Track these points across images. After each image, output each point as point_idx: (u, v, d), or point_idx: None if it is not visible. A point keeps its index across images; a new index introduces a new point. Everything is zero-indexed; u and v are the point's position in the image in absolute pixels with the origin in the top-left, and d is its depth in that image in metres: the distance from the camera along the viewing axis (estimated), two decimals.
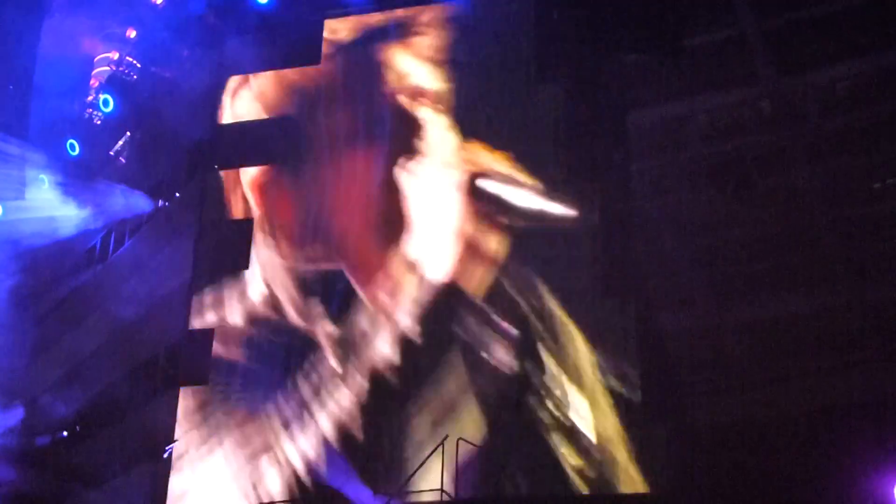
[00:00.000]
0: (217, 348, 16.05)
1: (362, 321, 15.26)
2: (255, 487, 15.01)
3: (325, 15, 17.34)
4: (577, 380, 13.83)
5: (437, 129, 15.95)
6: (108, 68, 21.27)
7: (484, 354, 14.40)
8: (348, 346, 15.19)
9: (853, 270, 14.45)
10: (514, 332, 14.38)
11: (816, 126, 14.36)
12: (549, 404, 13.77)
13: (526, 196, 15.01)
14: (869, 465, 13.01)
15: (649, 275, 14.55)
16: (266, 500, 14.74)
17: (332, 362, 15.18)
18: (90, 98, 21.79)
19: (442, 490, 13.26)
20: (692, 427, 13.72)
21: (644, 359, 13.78)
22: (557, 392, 13.80)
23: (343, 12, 17.20)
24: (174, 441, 15.65)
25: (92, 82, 22.38)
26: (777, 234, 14.75)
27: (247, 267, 16.42)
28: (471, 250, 15.05)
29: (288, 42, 17.27)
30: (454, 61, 16.23)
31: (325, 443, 14.70)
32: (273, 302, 16.05)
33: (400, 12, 16.86)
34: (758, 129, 14.72)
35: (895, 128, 13.96)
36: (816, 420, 13.98)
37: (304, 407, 15.10)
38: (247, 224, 16.73)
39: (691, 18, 14.71)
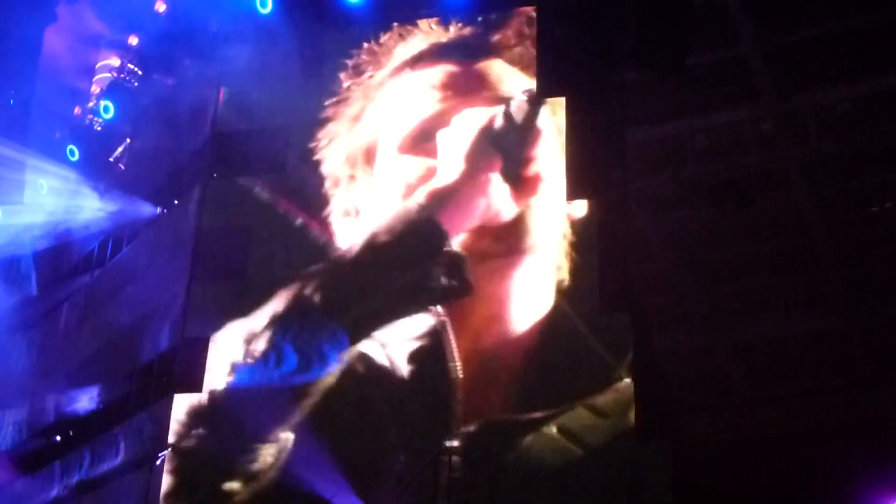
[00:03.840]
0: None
1: None
2: None
3: (329, 26, 17.39)
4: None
5: None
6: (109, 75, 21.25)
7: None
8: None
9: (851, 292, 14.52)
10: None
11: (816, 147, 14.40)
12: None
13: None
14: (865, 488, 13.02)
15: (646, 293, 14.58)
16: None
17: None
18: (91, 104, 21.82)
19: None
20: (686, 446, 13.72)
21: (639, 376, 13.73)
22: None
23: (346, 23, 17.24)
24: (167, 447, 15.61)
25: (93, 88, 22.38)
26: (775, 254, 14.81)
27: (244, 276, 16.39)
28: None
29: (290, 51, 17.26)
30: None
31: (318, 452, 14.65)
32: None
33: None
34: (757, 149, 14.76)
35: (895, 151, 14.03)
36: (813, 441, 14.01)
37: None
38: (245, 233, 16.72)
39: (693, 37, 14.71)
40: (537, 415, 13.61)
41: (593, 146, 14.94)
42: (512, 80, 15.84)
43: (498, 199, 14.80)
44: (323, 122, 16.79)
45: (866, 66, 13.84)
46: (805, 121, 14.43)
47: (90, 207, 19.95)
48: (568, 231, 14.49)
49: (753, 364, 14.73)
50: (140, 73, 20.23)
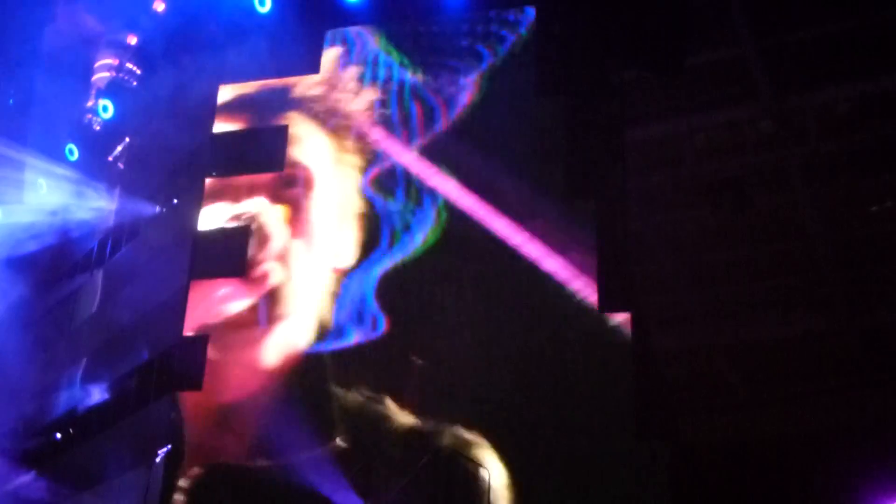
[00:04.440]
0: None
1: None
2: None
3: (326, 24, 17.40)
4: None
5: None
6: (108, 74, 21.30)
7: None
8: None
9: (850, 293, 14.46)
10: None
11: (815, 147, 14.36)
12: None
13: None
14: (864, 489, 13.02)
15: (645, 293, 14.55)
16: None
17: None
18: (90, 103, 21.84)
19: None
20: (685, 447, 13.70)
21: (638, 377, 13.74)
22: None
23: (343, 22, 17.24)
24: (167, 446, 15.67)
25: (92, 88, 22.42)
26: (774, 254, 14.77)
27: (243, 274, 16.43)
28: None
29: (288, 51, 17.27)
30: None
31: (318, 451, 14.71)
32: None
33: None
34: (756, 149, 14.72)
35: (894, 151, 13.98)
36: (811, 442, 13.98)
37: None
38: (243, 231, 16.75)
39: (693, 36, 14.67)
40: (277, 461, 14.59)
41: (593, 145, 14.93)
42: (300, 141, 16.70)
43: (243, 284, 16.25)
44: None
45: (866, 66, 13.79)
46: (804, 121, 14.37)
47: (90, 206, 19.99)
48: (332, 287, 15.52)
49: (752, 365, 14.67)
50: (139, 72, 20.27)
